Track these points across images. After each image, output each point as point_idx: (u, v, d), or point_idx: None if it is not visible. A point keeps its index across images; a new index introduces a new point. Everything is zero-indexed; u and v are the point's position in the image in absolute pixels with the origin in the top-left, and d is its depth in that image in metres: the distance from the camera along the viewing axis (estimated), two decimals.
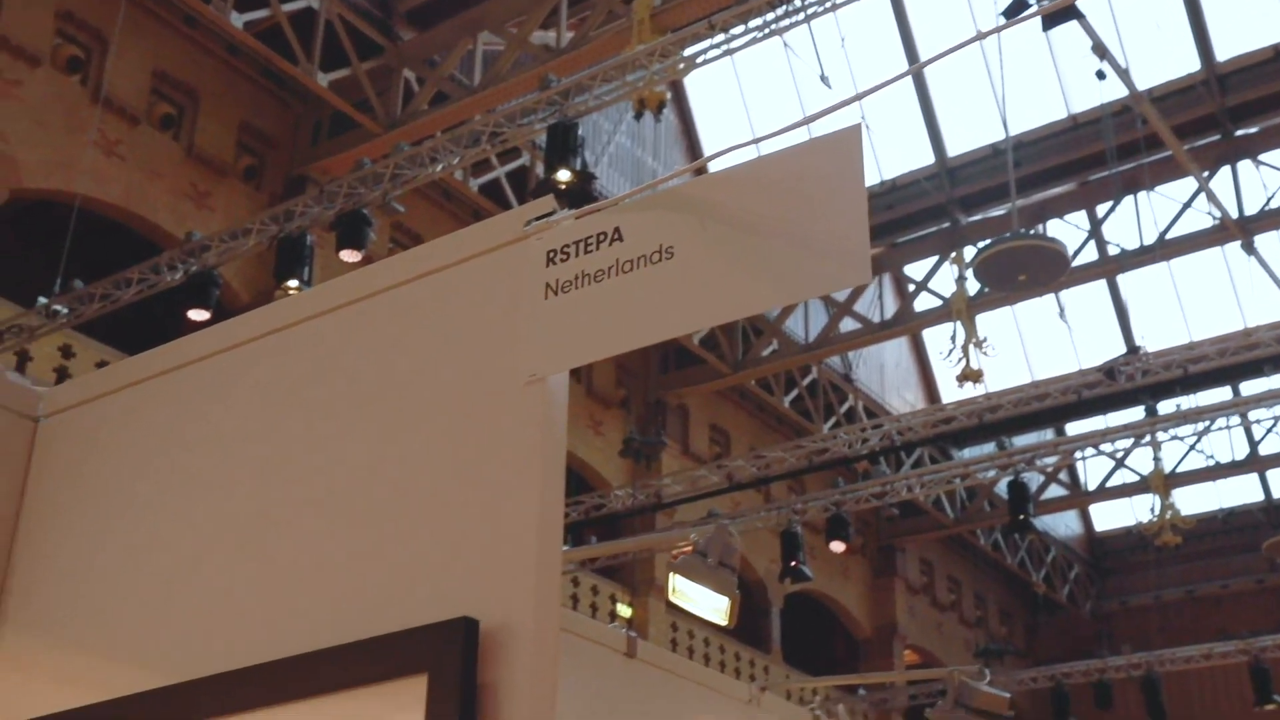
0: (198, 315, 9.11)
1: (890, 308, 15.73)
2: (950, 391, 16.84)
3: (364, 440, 1.92)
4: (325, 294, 2.10)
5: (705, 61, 9.43)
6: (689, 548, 3.87)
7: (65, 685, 2.04)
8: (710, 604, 3.90)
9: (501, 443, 1.80)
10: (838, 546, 13.92)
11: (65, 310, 9.73)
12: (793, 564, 13.40)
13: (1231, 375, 12.08)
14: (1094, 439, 12.70)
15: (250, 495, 2.01)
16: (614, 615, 14.31)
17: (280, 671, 1.80)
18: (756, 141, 2.00)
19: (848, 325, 15.62)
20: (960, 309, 11.87)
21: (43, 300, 9.77)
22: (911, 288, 15.46)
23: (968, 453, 15.74)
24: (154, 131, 11.27)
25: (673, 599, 3.99)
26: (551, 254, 1.89)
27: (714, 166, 2.02)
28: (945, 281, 14.69)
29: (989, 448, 14.91)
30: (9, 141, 10.29)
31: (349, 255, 9.25)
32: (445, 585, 1.75)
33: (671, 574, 3.88)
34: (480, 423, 1.83)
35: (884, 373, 18.48)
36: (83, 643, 2.09)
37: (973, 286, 12.40)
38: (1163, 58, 14.69)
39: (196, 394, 2.16)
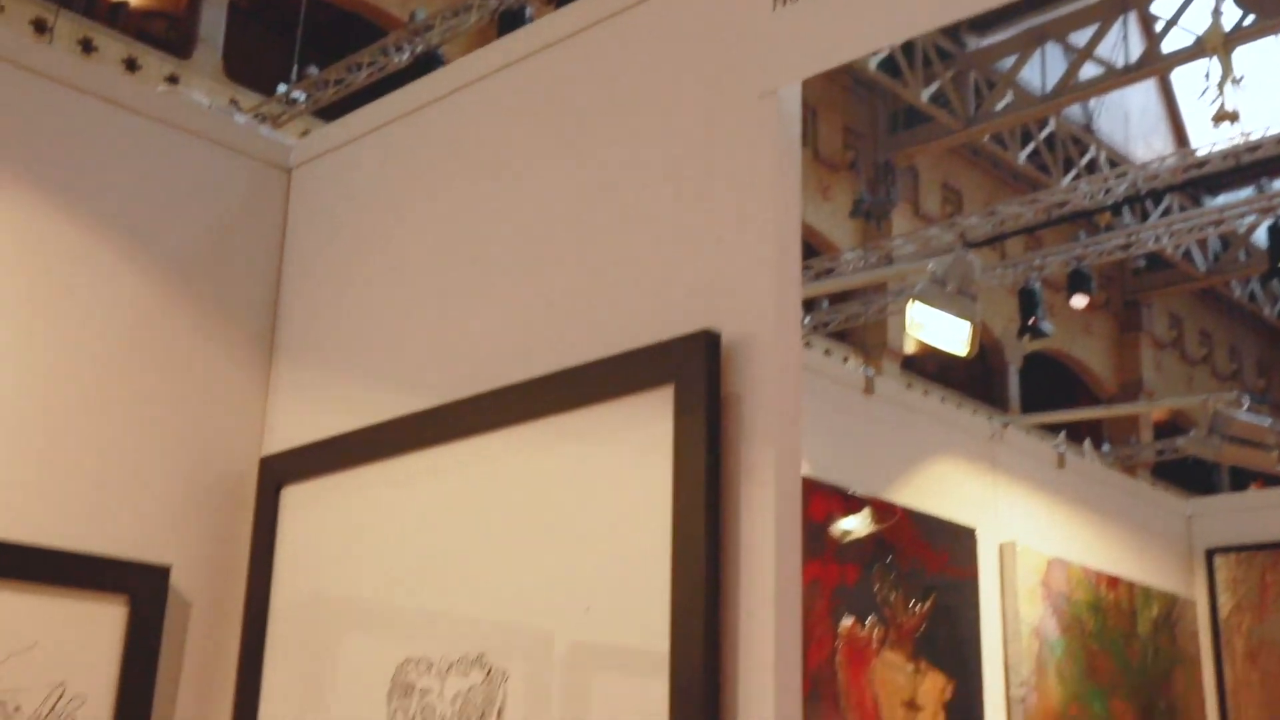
0: None
1: (1136, 49, 14.73)
2: (1203, 135, 15.85)
3: (604, 165, 1.94)
4: (554, 25, 2.10)
5: None
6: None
7: (337, 411, 2.19)
8: (950, 332, 3.83)
9: (737, 158, 1.79)
10: (1079, 301, 13.51)
11: (303, 96, 10.10)
12: (1031, 321, 13.10)
13: None
14: None
15: (496, 224, 2.07)
16: None
17: (535, 389, 1.88)
18: None
19: (1088, 71, 14.76)
20: (1216, 44, 11.03)
21: (282, 88, 10.14)
22: (1160, 26, 14.42)
23: (1222, 199, 14.87)
24: None
25: (910, 331, 3.94)
26: None
27: None
28: (1199, 16, 13.63)
29: (1246, 192, 14.03)
30: None
31: None
32: (687, 301, 1.78)
33: (909, 303, 3.81)
34: (715, 141, 1.82)
35: (1128, 120, 17.49)
36: (350, 372, 2.23)
37: (1230, 19, 11.48)
38: None
39: (437, 132, 2.21)
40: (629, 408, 1.77)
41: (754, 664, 1.55)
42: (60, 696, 2.01)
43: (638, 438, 1.74)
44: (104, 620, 2.06)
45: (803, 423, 1.73)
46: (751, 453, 1.66)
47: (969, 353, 3.92)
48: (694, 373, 1.71)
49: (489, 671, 1.83)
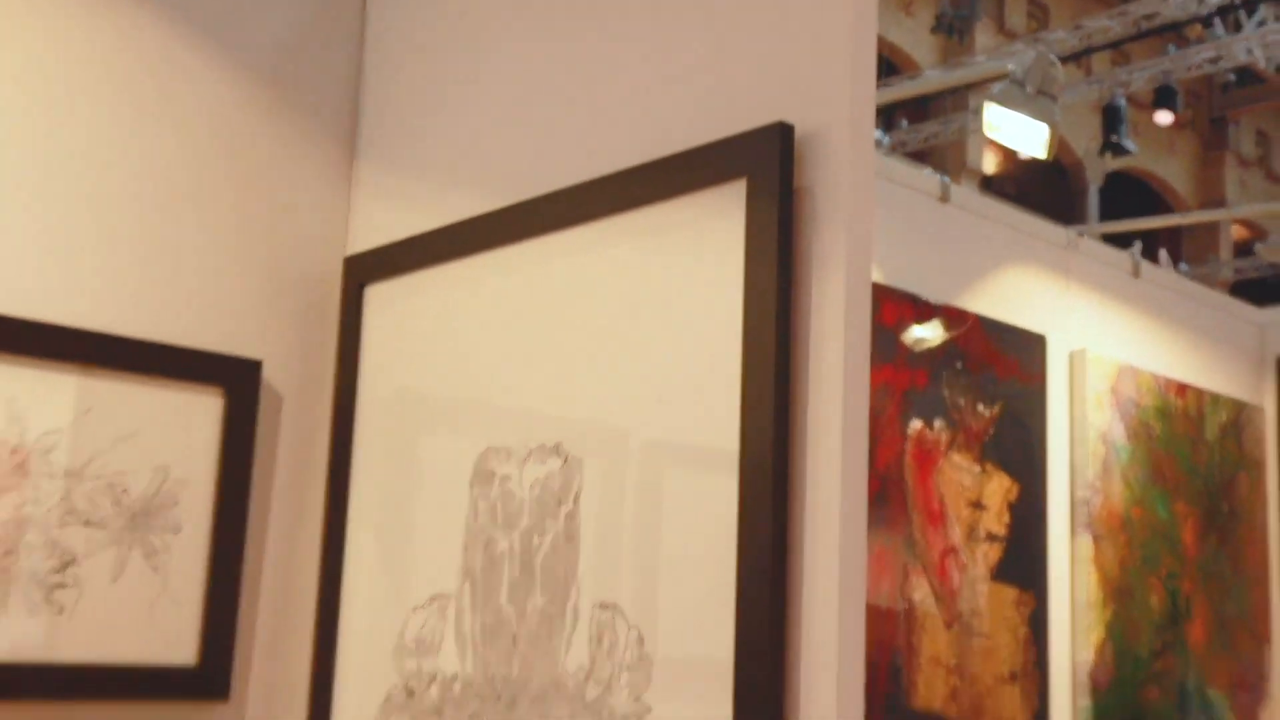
0: None
1: None
2: None
3: None
4: None
5: None
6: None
7: (418, 211, 2.24)
8: (1027, 135, 3.75)
9: None
10: (1164, 117, 13.13)
11: None
12: (1113, 138, 12.77)
13: None
14: None
15: (571, 19, 2.07)
16: None
17: (610, 185, 1.91)
18: None
19: None
20: None
21: None
22: None
23: None
24: None
25: (987, 134, 3.87)
26: None
27: None
28: None
29: None
30: None
31: None
32: (760, 94, 1.78)
33: (986, 105, 3.74)
34: None
35: None
36: (430, 172, 2.27)
37: None
38: None
39: None
40: (702, 202, 1.79)
41: (821, 460, 1.58)
42: (165, 480, 2.13)
43: (710, 232, 1.77)
44: (202, 410, 2.17)
45: (878, 228, 1.74)
46: (823, 244, 1.67)
47: (1047, 156, 3.86)
48: (767, 165, 1.71)
49: (566, 459, 1.90)
